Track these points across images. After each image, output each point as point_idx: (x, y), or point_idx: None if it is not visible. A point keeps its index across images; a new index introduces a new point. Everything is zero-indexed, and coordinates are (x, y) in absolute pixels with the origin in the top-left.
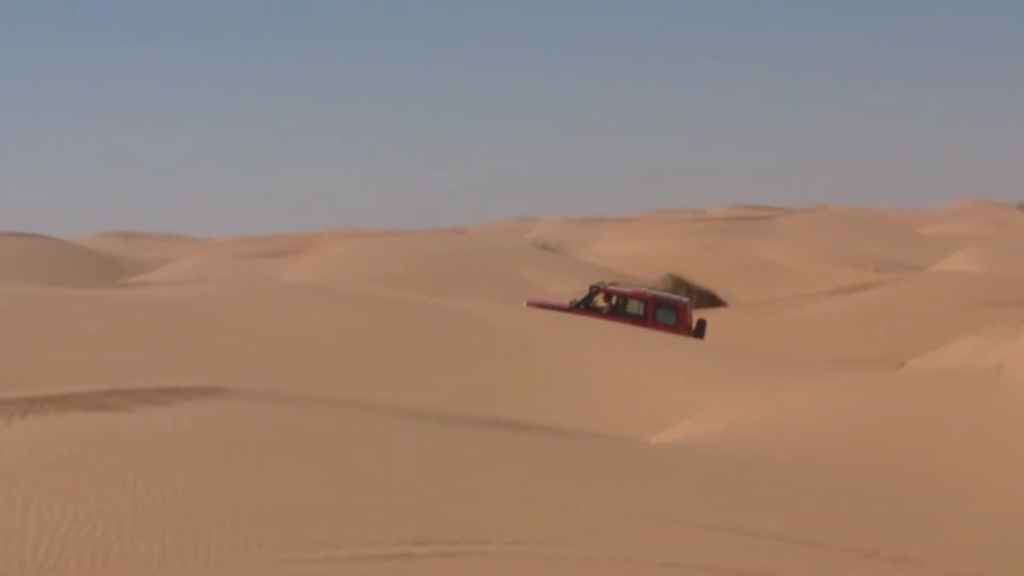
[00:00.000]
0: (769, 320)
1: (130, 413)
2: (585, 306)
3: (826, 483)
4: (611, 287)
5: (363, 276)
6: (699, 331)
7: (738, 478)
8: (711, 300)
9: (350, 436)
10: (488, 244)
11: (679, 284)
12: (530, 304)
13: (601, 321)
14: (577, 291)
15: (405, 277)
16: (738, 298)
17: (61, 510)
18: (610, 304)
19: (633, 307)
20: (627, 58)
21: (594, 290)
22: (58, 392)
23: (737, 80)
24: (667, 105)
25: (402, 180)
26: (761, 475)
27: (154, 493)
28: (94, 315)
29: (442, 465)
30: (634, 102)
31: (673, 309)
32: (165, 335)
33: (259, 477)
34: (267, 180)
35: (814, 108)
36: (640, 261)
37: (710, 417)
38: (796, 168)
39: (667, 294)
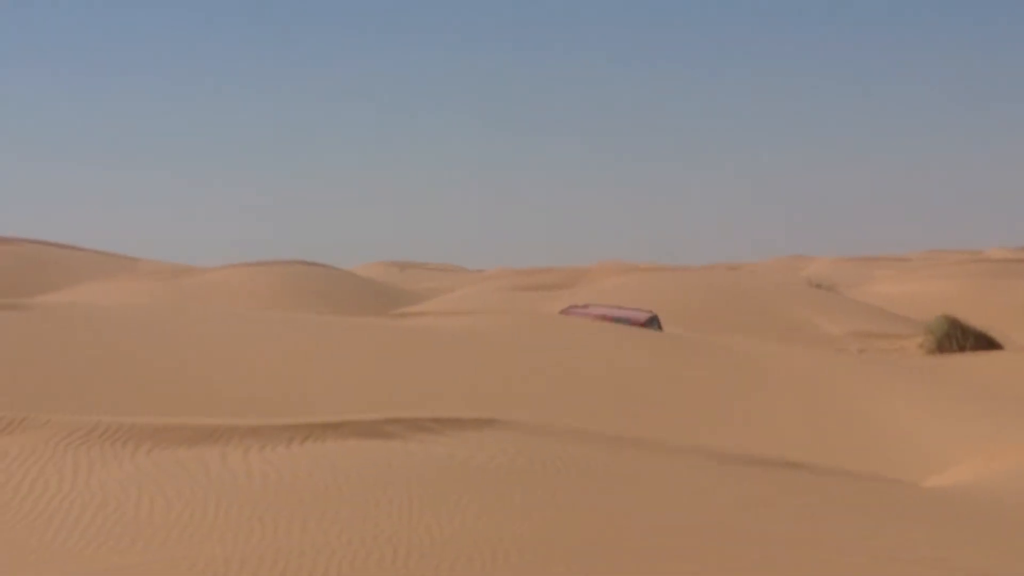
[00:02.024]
0: None
1: (406, 442)
2: None
3: None
4: (572, 310)
5: None
6: None
7: (1018, 526)
8: (987, 343)
9: (624, 473)
10: (761, 281)
11: (953, 326)
12: None
13: (876, 363)
14: (849, 332)
15: (677, 313)
16: (1015, 341)
17: (337, 535)
18: None
19: None
20: (905, 100)
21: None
22: (337, 419)
23: (1017, 117)
24: (943, 144)
25: (675, 216)
26: None
27: (429, 522)
28: (369, 343)
29: (716, 504)
30: (910, 140)
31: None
32: (438, 364)
33: (534, 510)
34: (543, 213)
35: None
36: (915, 302)
37: (987, 461)
38: None
39: (627, 311)
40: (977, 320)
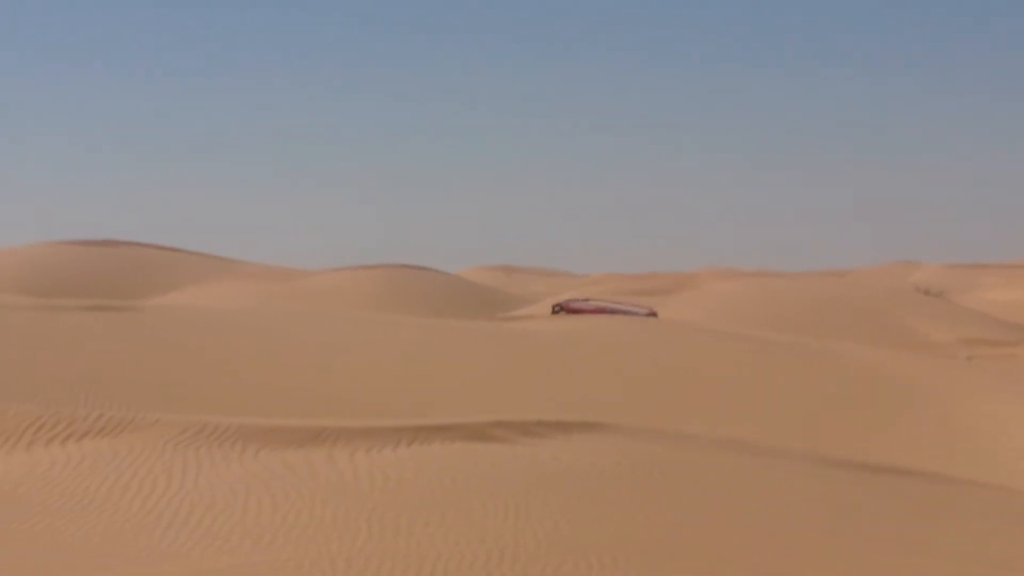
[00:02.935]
0: None
1: (512, 445)
2: None
3: None
4: (571, 304)
5: (741, 316)
6: None
7: None
8: None
9: (726, 475)
10: (869, 287)
11: None
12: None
13: (985, 370)
14: (958, 338)
15: (784, 318)
16: None
17: (443, 537)
18: None
19: None
20: (1017, 102)
21: (557, 310)
22: (445, 422)
23: None
24: None
25: (783, 220)
26: None
27: (535, 525)
28: (476, 346)
29: (824, 508)
30: (1021, 145)
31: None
32: (544, 367)
33: (638, 513)
34: (648, 218)
35: None
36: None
37: None
38: None
39: (627, 306)
40: None
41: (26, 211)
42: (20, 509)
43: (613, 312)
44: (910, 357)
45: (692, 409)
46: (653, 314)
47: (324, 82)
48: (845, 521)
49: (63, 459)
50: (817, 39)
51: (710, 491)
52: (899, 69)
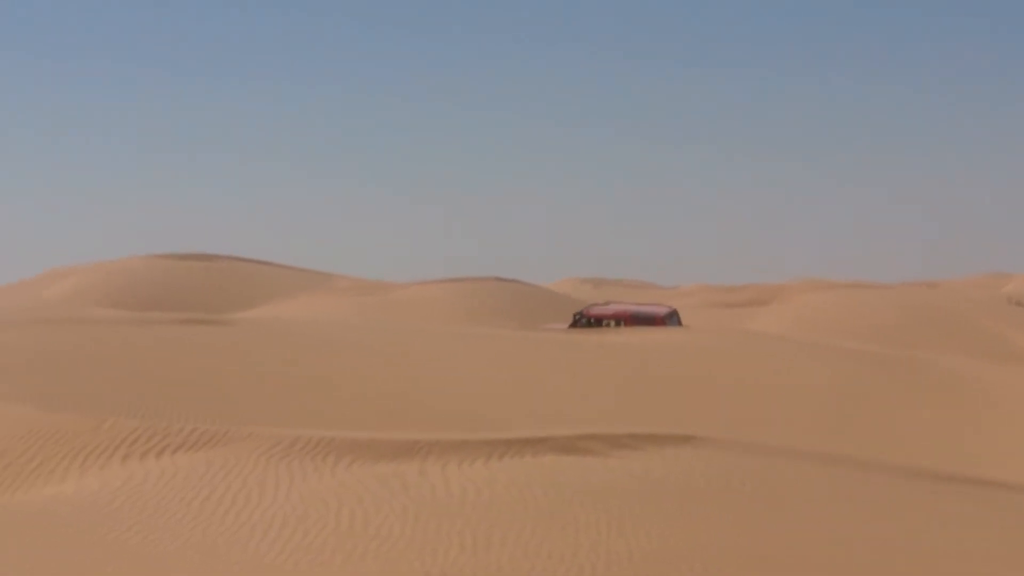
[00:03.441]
0: None
1: (605, 458)
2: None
3: None
4: (592, 310)
5: (832, 327)
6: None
7: None
8: None
9: (822, 490)
10: (960, 298)
11: None
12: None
13: None
14: None
15: (875, 329)
16: None
17: (536, 551)
18: (603, 326)
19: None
20: None
21: (578, 317)
22: (536, 435)
23: None
24: None
25: (873, 232)
26: None
27: (628, 538)
28: (564, 358)
29: (910, 520)
30: None
31: (649, 323)
32: (633, 380)
33: (730, 525)
34: (737, 230)
35: None
36: None
37: None
38: None
39: (647, 308)
40: None
41: (121, 225)
42: (115, 522)
43: (635, 314)
44: (999, 368)
45: (787, 422)
46: (674, 313)
47: (421, 98)
48: (941, 532)
49: (157, 472)
50: (912, 48)
51: (801, 504)
52: (989, 81)
